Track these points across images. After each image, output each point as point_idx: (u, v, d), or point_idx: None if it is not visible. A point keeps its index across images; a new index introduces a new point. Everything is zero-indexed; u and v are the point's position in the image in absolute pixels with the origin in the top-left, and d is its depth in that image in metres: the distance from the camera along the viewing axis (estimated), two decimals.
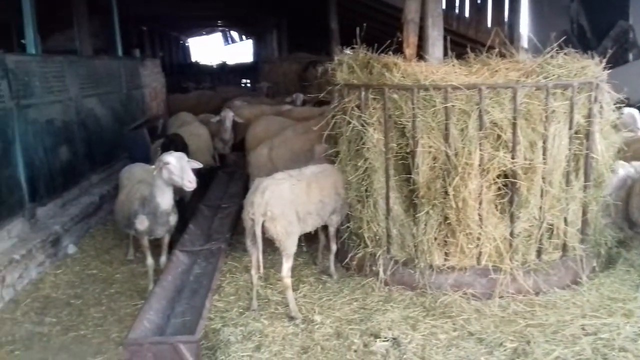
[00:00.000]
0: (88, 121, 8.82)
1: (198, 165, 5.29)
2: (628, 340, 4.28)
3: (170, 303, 4.61)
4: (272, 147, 6.63)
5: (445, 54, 5.97)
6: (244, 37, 39.64)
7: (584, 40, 11.71)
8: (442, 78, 4.95)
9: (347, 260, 5.68)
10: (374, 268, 5.42)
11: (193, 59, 38.89)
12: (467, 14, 14.23)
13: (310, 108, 9.92)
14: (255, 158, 6.76)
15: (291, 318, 4.86)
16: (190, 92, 16.34)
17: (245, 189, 7.44)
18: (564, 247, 5.23)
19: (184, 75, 24.81)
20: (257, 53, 32.76)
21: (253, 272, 5.05)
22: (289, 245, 4.89)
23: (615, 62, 10.29)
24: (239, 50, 42.33)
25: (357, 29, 5.72)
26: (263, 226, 4.77)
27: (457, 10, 14.50)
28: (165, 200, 5.17)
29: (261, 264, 4.79)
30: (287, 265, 4.92)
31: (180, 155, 5.13)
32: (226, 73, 27.99)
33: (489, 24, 13.99)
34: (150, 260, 5.45)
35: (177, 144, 6.54)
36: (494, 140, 4.92)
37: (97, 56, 10.81)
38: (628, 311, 4.73)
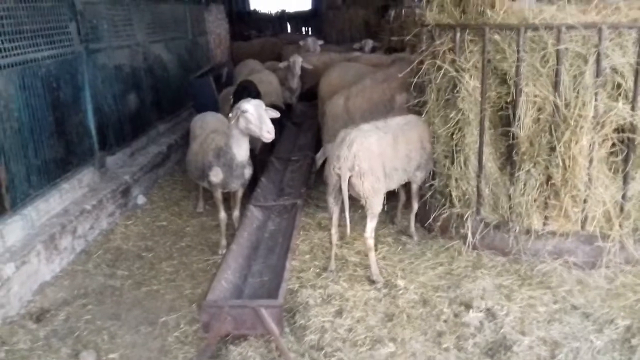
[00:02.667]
0: (155, 67, 8.59)
1: (276, 114, 4.90)
2: None
3: (246, 261, 4.33)
4: (349, 97, 6.15)
5: None
6: None
7: None
8: (554, 16, 4.29)
9: (429, 220, 5.24)
10: (461, 230, 4.96)
11: (252, 7, 38.22)
12: None
13: (379, 55, 9.31)
14: (331, 108, 6.29)
15: (372, 281, 4.52)
16: (253, 40, 15.89)
17: (316, 141, 7.07)
18: None
19: (244, 23, 24.33)
20: (316, 0, 31.73)
21: (333, 231, 4.71)
22: (376, 204, 4.49)
23: None
24: None
25: None
26: (349, 182, 4.37)
27: None
28: (241, 151, 4.83)
29: (348, 223, 4.41)
30: (371, 224, 4.54)
31: (258, 103, 4.75)
32: (285, 21, 27.28)
33: None
34: (223, 214, 5.19)
35: (251, 91, 6.15)
36: (612, 89, 4.27)
37: (162, 0, 10.49)
38: None
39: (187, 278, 4.86)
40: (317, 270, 4.73)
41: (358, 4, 16.11)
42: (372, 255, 4.59)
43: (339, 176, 4.42)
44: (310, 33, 22.85)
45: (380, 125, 4.81)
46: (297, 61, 8.60)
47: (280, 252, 4.46)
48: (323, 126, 6.51)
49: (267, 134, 4.61)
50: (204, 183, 5.26)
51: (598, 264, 4.51)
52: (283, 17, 30.22)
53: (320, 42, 11.13)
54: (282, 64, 8.87)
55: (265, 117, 4.61)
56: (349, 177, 4.40)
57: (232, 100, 5.94)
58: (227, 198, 5.49)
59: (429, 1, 5.10)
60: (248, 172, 5.00)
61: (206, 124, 5.59)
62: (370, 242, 4.56)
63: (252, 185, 5.48)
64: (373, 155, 4.51)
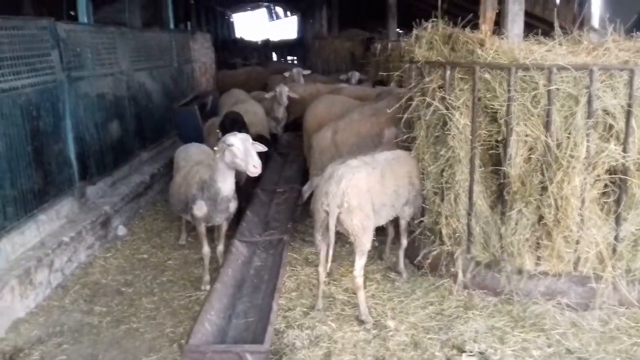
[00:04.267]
0: (139, 96, 8.47)
1: (263, 148, 4.81)
2: None
3: (231, 301, 4.17)
4: (337, 130, 6.09)
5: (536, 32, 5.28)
6: (289, 13, 38.95)
7: None
8: (544, 57, 4.30)
9: (419, 257, 5.14)
10: (451, 269, 4.86)
11: (237, 35, 38.48)
12: None
13: (365, 88, 9.33)
14: (318, 141, 6.22)
15: (361, 322, 4.38)
16: (239, 68, 15.89)
17: (301, 173, 6.97)
18: None
19: (229, 51, 24.42)
20: (301, 30, 32.01)
21: (320, 269, 4.58)
22: (365, 241, 4.39)
23: None
24: (283, 27, 41.69)
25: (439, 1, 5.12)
26: (337, 219, 4.27)
27: None
28: (227, 185, 4.71)
29: (330, 260, 4.31)
30: (360, 262, 4.42)
31: (245, 136, 4.66)
32: (270, 49, 27.48)
33: (557, 2, 13.02)
34: (206, 249, 5.03)
35: (238, 124, 6.05)
36: (603, 130, 4.26)
37: (148, 28, 10.42)
38: None
39: (168, 315, 4.67)
40: (304, 309, 4.58)
41: (344, 35, 16.26)
42: (361, 295, 4.46)
43: (327, 213, 4.32)
44: (295, 62, 23.04)
45: (369, 160, 4.75)
46: (284, 91, 8.56)
47: (267, 290, 4.32)
48: (309, 159, 6.43)
49: (254, 168, 4.51)
50: (187, 216, 5.11)
51: (591, 306, 4.43)
52: (268, 46, 30.48)
53: (307, 71, 11.14)
54: (268, 94, 8.82)
55: (251, 151, 4.52)
56: (338, 214, 4.31)
57: (219, 133, 5.83)
58: (212, 230, 5.34)
59: (417, 38, 5.10)
60: (233, 206, 4.88)
61: (190, 156, 5.47)
62: (359, 280, 4.43)
63: (236, 217, 5.35)
64: (362, 191, 4.43)
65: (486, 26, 6.11)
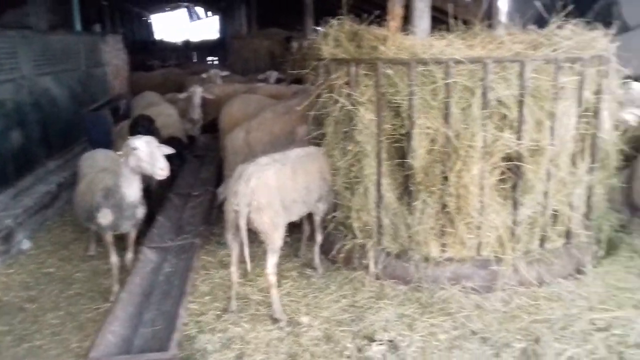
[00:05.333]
0: (43, 102, 8.05)
1: (170, 150, 4.70)
2: None
3: (138, 309, 4.05)
4: (250, 130, 6.05)
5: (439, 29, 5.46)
6: (209, 13, 38.33)
7: (565, 15, 11.34)
8: (442, 51, 4.45)
9: (333, 252, 5.20)
10: (363, 261, 4.95)
11: (157, 37, 37.48)
12: None
13: (281, 87, 9.35)
14: (231, 142, 6.17)
15: (275, 320, 4.37)
16: (156, 71, 15.46)
17: (218, 175, 6.88)
18: (568, 234, 4.86)
19: (148, 53, 23.77)
20: (223, 30, 31.62)
21: (233, 269, 4.53)
22: (276, 238, 4.39)
23: None
24: (204, 27, 40.97)
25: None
26: (248, 218, 4.24)
27: None
28: (132, 191, 4.56)
29: (248, 260, 4.27)
30: (272, 260, 4.41)
31: (150, 139, 4.52)
32: (191, 50, 26.95)
33: None
34: (114, 258, 4.85)
35: (144, 126, 5.89)
36: (499, 119, 4.47)
37: (52, 31, 9.92)
38: (638, 302, 4.41)
39: (74, 330, 4.46)
40: (218, 312, 4.51)
41: (263, 34, 16.19)
42: (275, 293, 4.45)
43: (237, 212, 4.29)
44: (217, 62, 22.73)
45: (279, 157, 4.76)
46: (197, 92, 8.41)
47: (177, 296, 4.21)
48: (224, 160, 6.36)
49: (161, 171, 4.40)
50: (93, 225, 4.92)
51: (494, 288, 4.64)
52: (189, 47, 29.87)
53: (225, 72, 11.01)
54: (181, 95, 8.64)
55: (157, 154, 4.40)
56: (248, 213, 4.28)
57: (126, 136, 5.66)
58: (123, 238, 5.16)
59: (325, 35, 5.15)
60: (140, 212, 4.73)
61: (95, 162, 5.26)
62: (272, 278, 4.43)
63: (149, 224, 5.20)
64: (271, 189, 4.43)
65: (395, 23, 6.26)
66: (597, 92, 4.60)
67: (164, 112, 7.56)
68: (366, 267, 4.93)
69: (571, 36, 4.53)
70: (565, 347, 3.88)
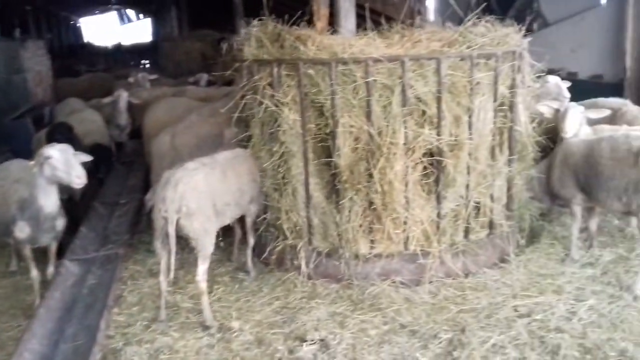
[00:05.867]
0: None
1: (88, 157, 4.54)
2: (562, 320, 4.13)
3: (58, 325, 3.88)
4: (176, 134, 5.93)
5: (358, 27, 5.55)
6: (140, 15, 37.37)
7: (489, 11, 11.76)
8: (362, 50, 4.51)
9: (265, 254, 5.17)
10: (295, 262, 4.96)
11: (86, 40, 36.20)
12: None
13: (210, 89, 9.23)
14: (157, 146, 6.02)
15: (205, 327, 4.30)
16: (82, 76, 14.91)
17: (146, 181, 6.71)
18: (491, 225, 5.03)
19: (76, 58, 22.91)
20: (156, 32, 30.89)
21: (162, 277, 4.42)
22: (207, 244, 4.33)
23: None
24: (138, 30, 39.90)
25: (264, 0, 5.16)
26: (177, 224, 4.15)
27: None
28: (49, 202, 4.36)
29: (172, 268, 4.18)
30: (203, 267, 4.34)
31: (64, 147, 4.35)
32: (122, 54, 26.15)
33: None
34: (34, 273, 4.63)
35: (65, 134, 5.66)
36: (419, 116, 4.57)
37: None
38: (558, 287, 4.61)
39: None
40: (146, 323, 4.39)
41: (194, 36, 15.92)
42: (205, 299, 4.38)
43: (166, 219, 4.19)
44: (149, 66, 22.18)
45: (207, 161, 4.69)
46: (123, 96, 8.15)
47: (101, 309, 4.07)
48: (150, 165, 6.20)
49: (77, 179, 4.24)
50: (10, 239, 4.68)
51: (422, 281, 4.75)
52: (120, 50, 28.97)
53: (153, 76, 10.75)
54: (106, 100, 8.34)
55: (73, 162, 4.24)
56: (177, 219, 4.19)
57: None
58: (46, 251, 4.93)
59: (247, 36, 5.11)
60: (60, 223, 4.54)
61: (8, 173, 4.98)
62: (203, 285, 4.35)
63: (73, 235, 5.00)
64: (201, 193, 4.36)
65: (321, 23, 6.30)
66: (512, 87, 4.78)
67: (87, 119, 7.31)
68: (298, 268, 4.94)
69: (485, 33, 4.68)
70: (490, 334, 4.00)
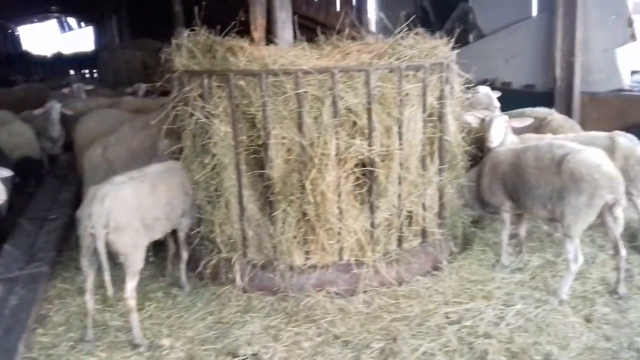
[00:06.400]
0: None
1: (8, 172, 4.35)
2: (491, 325, 4.22)
3: None
4: (107, 146, 5.77)
5: (296, 37, 5.56)
6: (82, 23, 36.37)
7: (427, 23, 12.05)
8: (292, 62, 4.52)
9: (199, 268, 5.08)
10: (229, 275, 4.90)
11: (24, 49, 34.91)
12: None
13: (147, 100, 9.05)
14: (89, 159, 5.85)
15: (134, 346, 4.17)
16: (17, 86, 14.34)
17: (78, 196, 6.49)
18: (424, 233, 5.12)
19: (13, 67, 22.07)
20: (98, 41, 30.13)
21: (88, 297, 4.26)
22: (137, 260, 4.22)
23: (457, 43, 10.72)
24: (80, 39, 38.77)
25: (196, 9, 5.11)
26: (106, 240, 4.02)
27: None
28: None
29: (109, 285, 4.04)
30: (131, 283, 4.22)
31: None
32: (62, 63, 25.34)
33: (338, 8, 14.03)
34: None
35: None
36: (350, 127, 4.61)
37: None
38: (488, 293, 4.71)
39: None
40: (72, 343, 4.22)
41: (135, 45, 15.59)
42: (134, 317, 4.25)
43: (94, 236, 4.06)
44: (90, 76, 21.60)
45: (136, 175, 4.58)
46: (55, 107, 7.89)
47: (20, 331, 3.89)
48: (82, 179, 6.01)
49: None
50: None
51: (357, 291, 4.77)
52: (60, 59, 28.05)
53: (89, 86, 10.45)
54: (37, 112, 8.05)
55: None
56: (105, 235, 4.07)
57: None
58: None
59: (178, 47, 5.03)
60: None
61: None
62: (132, 302, 4.23)
63: None
64: (130, 207, 4.25)
65: (258, 33, 6.29)
66: (441, 98, 4.89)
67: (16, 131, 7.03)
68: (233, 281, 4.88)
69: (414, 45, 4.78)
70: (421, 342, 4.05)
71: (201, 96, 4.72)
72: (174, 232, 5.02)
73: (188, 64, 4.87)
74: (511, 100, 7.77)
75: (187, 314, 4.63)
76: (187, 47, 4.95)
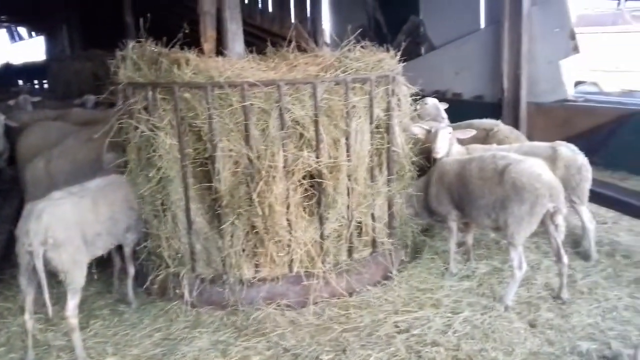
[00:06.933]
0: None
1: None
2: (438, 333, 4.27)
3: None
4: (50, 159, 5.61)
5: (252, 50, 5.53)
6: (33, 33, 35.32)
7: (380, 35, 12.25)
8: (239, 74, 4.50)
9: (147, 284, 4.98)
10: (178, 290, 4.81)
11: None
12: (270, 9, 14.13)
13: (97, 111, 8.87)
14: (31, 172, 5.67)
15: None
16: None
17: (20, 211, 6.26)
18: (374, 243, 5.16)
19: None
20: (49, 51, 29.29)
21: (27, 316, 4.12)
22: (77, 277, 4.11)
23: (409, 55, 10.93)
24: (31, 49, 37.62)
25: (141, 20, 5.04)
26: (44, 257, 3.89)
27: (260, 5, 14.32)
28: None
29: (49, 304, 3.90)
30: (73, 302, 4.10)
31: None
32: (11, 74, 24.49)
33: (293, 19, 14.09)
34: None
35: None
36: (297, 139, 4.62)
37: None
38: (436, 301, 4.78)
39: None
40: None
41: (86, 55, 15.25)
42: (77, 336, 4.13)
43: (31, 253, 3.93)
44: (40, 87, 20.99)
45: (76, 190, 4.47)
46: None
47: None
48: (25, 193, 5.82)
49: None
50: None
51: (308, 302, 4.76)
52: (9, 70, 27.09)
53: (36, 98, 10.16)
54: None
55: None
56: (44, 252, 3.94)
57: None
58: None
59: (122, 58, 4.95)
60: None
61: None
62: (73, 321, 4.10)
63: None
64: (69, 223, 4.14)
65: (208, 45, 6.24)
66: (387, 109, 4.95)
67: None
68: (181, 296, 4.80)
69: (360, 58, 4.83)
70: (370, 352, 4.07)
71: (146, 109, 4.64)
72: (120, 248, 4.91)
73: (133, 76, 4.80)
74: (462, 111, 7.97)
75: (134, 331, 4.52)
76: (132, 59, 4.87)
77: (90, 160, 5.52)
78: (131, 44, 4.95)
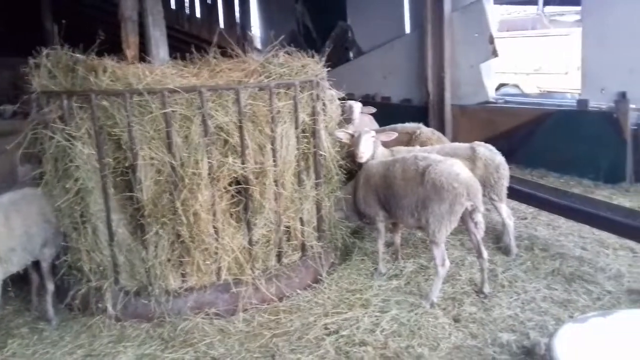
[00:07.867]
0: None
1: None
2: (367, 333, 4.33)
3: None
4: None
5: (183, 57, 5.39)
6: None
7: (310, 41, 12.35)
8: (159, 81, 4.41)
9: (68, 299, 4.78)
10: (100, 304, 4.65)
11: None
12: (198, 15, 13.94)
13: (16, 121, 8.42)
14: None
15: None
16: None
17: None
18: (303, 247, 5.18)
19: None
20: None
21: None
22: None
23: (339, 60, 11.09)
24: None
25: (55, 27, 4.87)
26: None
27: (187, 11, 14.10)
28: None
29: None
30: None
31: None
32: None
33: (222, 25, 13.96)
34: None
35: None
36: (222, 146, 4.57)
37: None
38: (365, 301, 4.84)
39: None
40: None
41: (4, 64, 14.44)
42: None
43: None
44: None
45: None
46: None
47: None
48: None
49: None
50: None
51: (237, 310, 4.72)
52: None
53: None
54: None
55: None
56: None
57: None
58: None
59: (36, 66, 4.74)
60: None
61: None
62: None
63: None
64: None
65: (131, 51, 6.08)
66: (313, 114, 5.00)
67: None
68: (105, 311, 4.64)
69: (284, 63, 4.85)
70: (299, 356, 4.08)
71: (61, 118, 4.47)
72: (37, 263, 4.69)
73: (47, 84, 4.61)
74: (392, 114, 8.16)
75: (54, 349, 4.33)
76: (47, 67, 4.68)
77: (5, 173, 5.26)
78: (45, 51, 4.75)
